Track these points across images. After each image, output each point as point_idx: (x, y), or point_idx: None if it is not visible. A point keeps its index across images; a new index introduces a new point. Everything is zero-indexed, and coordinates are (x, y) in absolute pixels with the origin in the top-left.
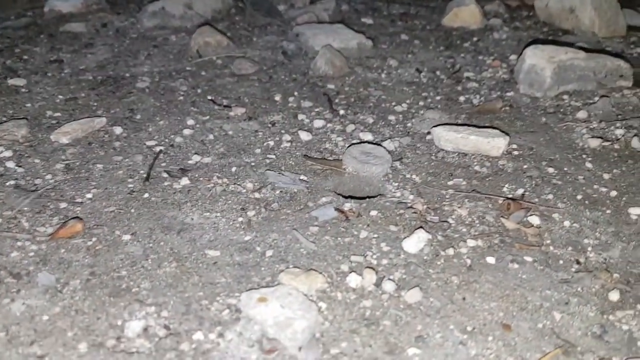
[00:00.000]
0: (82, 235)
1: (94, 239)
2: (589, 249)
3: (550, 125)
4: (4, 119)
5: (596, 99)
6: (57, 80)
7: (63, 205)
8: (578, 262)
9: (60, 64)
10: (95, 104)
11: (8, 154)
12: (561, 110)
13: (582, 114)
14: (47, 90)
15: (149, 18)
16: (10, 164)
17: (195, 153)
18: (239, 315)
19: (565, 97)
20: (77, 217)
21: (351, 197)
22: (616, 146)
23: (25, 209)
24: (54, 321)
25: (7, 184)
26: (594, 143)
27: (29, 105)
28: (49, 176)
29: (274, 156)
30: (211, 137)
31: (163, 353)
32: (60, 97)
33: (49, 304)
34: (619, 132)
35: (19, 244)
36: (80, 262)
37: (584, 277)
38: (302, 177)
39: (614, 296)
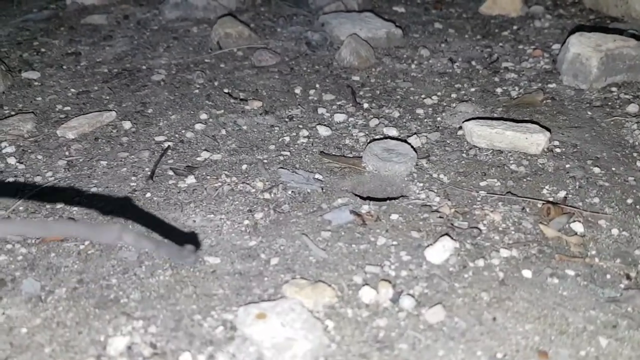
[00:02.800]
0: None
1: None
2: None
3: (597, 120)
4: (12, 113)
5: None
6: (71, 74)
7: (60, 205)
8: (628, 277)
9: (77, 57)
10: (108, 97)
11: (11, 149)
12: (609, 103)
13: (632, 108)
14: (60, 83)
15: (171, 9)
16: (12, 160)
17: (205, 149)
18: (234, 334)
19: (613, 89)
20: (71, 218)
21: (370, 199)
22: None
23: (20, 208)
24: (32, 334)
25: (6, 181)
26: None
27: (39, 99)
28: (49, 173)
29: (288, 153)
30: (224, 132)
31: None
32: (73, 90)
33: (30, 315)
34: None
35: (8, 246)
36: (70, 267)
37: (635, 295)
38: (317, 175)
39: None
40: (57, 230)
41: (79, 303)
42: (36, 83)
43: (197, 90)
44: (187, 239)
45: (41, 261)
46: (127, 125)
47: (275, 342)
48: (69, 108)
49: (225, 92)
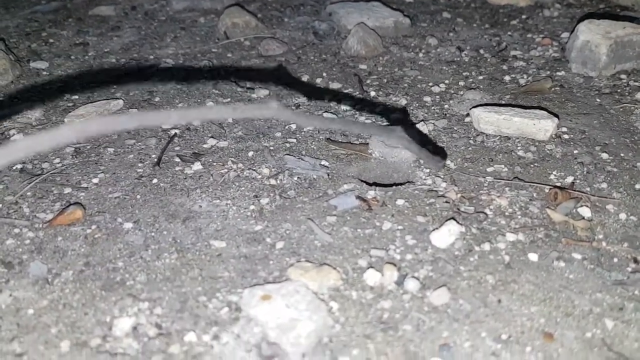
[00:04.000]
0: (82, 222)
1: (93, 227)
2: None
3: (606, 107)
4: (20, 101)
5: None
6: (79, 64)
7: (67, 190)
8: (635, 261)
9: (85, 47)
10: (115, 86)
11: (19, 137)
12: (618, 90)
13: None
14: (68, 73)
15: (178, 0)
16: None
17: (212, 136)
18: (239, 315)
19: (623, 76)
20: (78, 203)
21: (376, 185)
22: None
23: (28, 194)
24: (39, 315)
25: (14, 167)
26: None
27: (47, 88)
28: (57, 160)
29: (295, 140)
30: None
31: (149, 356)
32: (81, 80)
33: (36, 297)
34: None
35: (16, 230)
36: (76, 251)
37: None
38: (323, 162)
39: None
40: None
41: (85, 285)
42: (44, 73)
43: (203, 79)
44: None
45: (48, 245)
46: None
47: (279, 322)
48: (76, 97)
49: (231, 81)
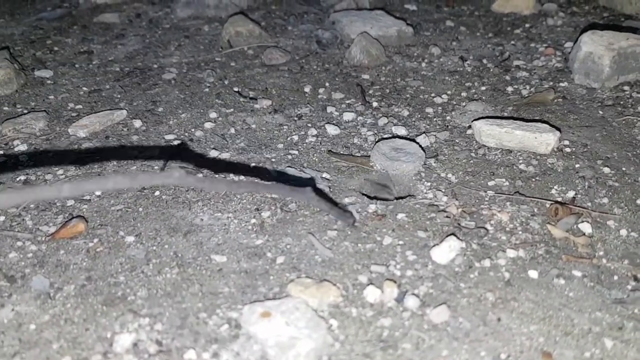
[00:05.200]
0: (84, 235)
1: (95, 240)
2: None
3: (608, 119)
4: (25, 111)
5: None
6: (83, 72)
7: (70, 202)
8: (636, 279)
9: (89, 55)
10: (119, 95)
11: (23, 147)
12: (621, 102)
13: None
14: (73, 82)
15: (182, 8)
16: (23, 158)
17: (214, 148)
18: (239, 332)
19: (626, 88)
20: (80, 216)
21: (377, 198)
22: None
23: (32, 206)
24: (40, 331)
25: (17, 179)
26: None
27: (51, 97)
28: (60, 171)
29: (296, 152)
30: (233, 130)
31: None
32: (85, 89)
33: (38, 311)
34: None
35: (19, 244)
36: (78, 265)
37: None
38: (324, 174)
39: None
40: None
41: (87, 300)
42: (49, 81)
43: (207, 89)
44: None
45: (50, 258)
46: (137, 123)
47: (279, 340)
48: (80, 106)
49: (235, 91)
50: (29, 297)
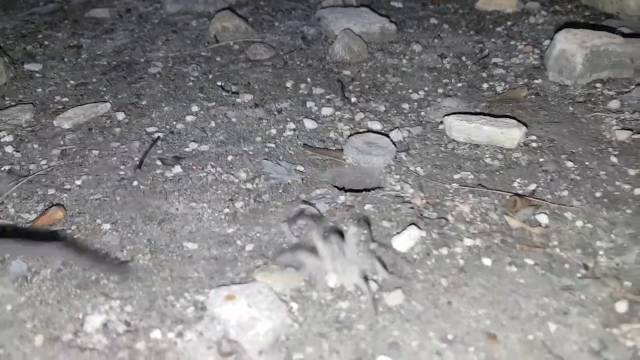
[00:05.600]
0: (63, 222)
1: (73, 227)
2: (601, 252)
3: (577, 115)
4: (12, 103)
5: (632, 87)
6: (72, 66)
7: (51, 191)
8: (586, 267)
9: (78, 50)
10: (105, 89)
11: (9, 138)
12: (592, 99)
13: (614, 104)
14: (61, 75)
15: (172, 3)
16: (9, 149)
17: (194, 140)
18: (204, 314)
19: (598, 85)
20: (59, 204)
21: (347, 190)
22: None
23: (14, 194)
24: (16, 311)
25: (2, 168)
26: (623, 135)
27: (39, 90)
28: (43, 162)
29: (274, 145)
30: (213, 124)
31: (116, 351)
32: (72, 82)
33: (15, 294)
34: None
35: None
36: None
37: (590, 284)
38: (299, 167)
39: (622, 307)
40: None
41: (62, 283)
42: (37, 75)
43: (191, 83)
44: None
45: None
46: (120, 116)
47: (240, 321)
48: (67, 99)
49: (218, 85)
50: (7, 281)
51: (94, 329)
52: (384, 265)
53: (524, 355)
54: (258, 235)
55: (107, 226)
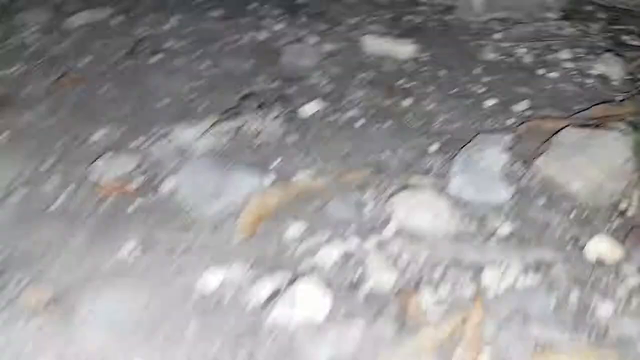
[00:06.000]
0: (77, 84)
1: (84, 86)
2: (437, 122)
3: (466, 42)
4: (33, 6)
5: (519, 26)
6: None
7: (67, 65)
8: (423, 130)
9: None
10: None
11: (32, 30)
12: (484, 32)
13: (497, 35)
14: None
15: None
16: (32, 38)
17: (172, 39)
18: (168, 135)
19: (493, 22)
20: (73, 72)
21: (280, 79)
22: (509, 59)
23: (39, 65)
24: (48, 127)
25: (29, 49)
26: (491, 56)
27: None
28: (59, 46)
29: (231, 47)
30: (188, 30)
31: (112, 148)
32: None
33: (46, 118)
34: (521, 50)
35: (30, 85)
36: (72, 99)
37: (420, 137)
38: (247, 63)
39: (433, 148)
40: None
41: None
42: None
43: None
44: None
45: (54, 94)
46: (118, 19)
47: (191, 138)
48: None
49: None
50: (40, 111)
51: (97, 138)
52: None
53: (361, 166)
54: (212, 99)
55: (106, 87)
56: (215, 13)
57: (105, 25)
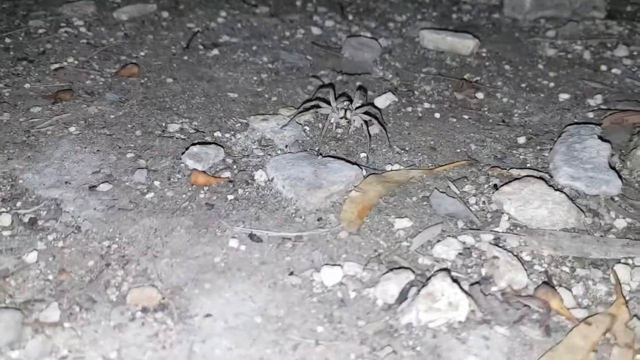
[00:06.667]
0: (138, 75)
1: (145, 79)
2: (516, 115)
3: (521, 39)
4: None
5: (567, 22)
6: None
7: (123, 57)
8: (503, 121)
9: None
10: None
11: (80, 22)
12: (535, 29)
13: (550, 33)
14: None
15: None
16: (83, 29)
17: (226, 35)
18: (247, 127)
19: (542, 20)
20: (134, 63)
21: (344, 73)
22: (569, 56)
23: (95, 57)
24: (118, 118)
25: (81, 41)
26: (551, 52)
27: None
28: (112, 39)
29: (288, 42)
30: (239, 25)
31: (193, 140)
32: None
33: (114, 110)
34: (578, 47)
35: (91, 76)
36: (136, 90)
37: (503, 129)
38: (307, 57)
39: (522, 140)
40: None
41: (146, 107)
42: None
43: None
44: None
45: (116, 86)
46: (165, 14)
47: (273, 130)
48: (119, 1)
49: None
50: (105, 103)
51: (174, 130)
52: (371, 114)
53: (452, 157)
54: (280, 92)
55: (170, 80)
56: (262, 10)
57: (152, 20)
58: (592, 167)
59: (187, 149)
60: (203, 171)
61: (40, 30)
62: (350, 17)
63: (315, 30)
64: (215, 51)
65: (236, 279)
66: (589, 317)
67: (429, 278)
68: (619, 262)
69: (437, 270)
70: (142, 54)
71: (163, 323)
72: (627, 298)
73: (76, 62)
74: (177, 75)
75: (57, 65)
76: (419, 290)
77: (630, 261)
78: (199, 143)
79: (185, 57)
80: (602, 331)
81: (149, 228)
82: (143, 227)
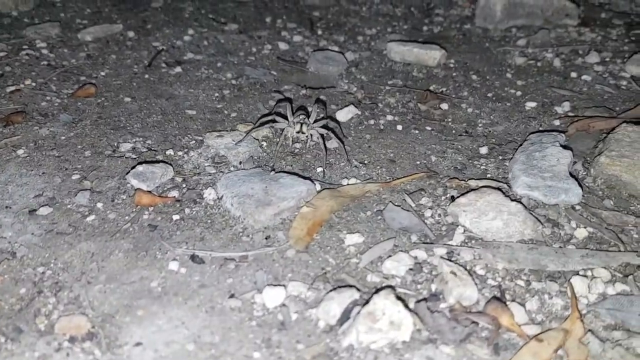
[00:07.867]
0: (95, 95)
1: (102, 99)
2: (480, 125)
3: (490, 48)
4: (41, 22)
5: (539, 31)
6: None
7: (83, 78)
8: (466, 132)
9: None
10: (116, 16)
11: (43, 44)
12: (505, 39)
13: (521, 42)
14: (78, 5)
15: None
16: (45, 51)
17: (191, 52)
18: (202, 144)
19: (513, 29)
20: (92, 83)
21: (308, 87)
22: (539, 64)
23: (54, 78)
24: (69, 139)
25: (42, 63)
26: (520, 61)
27: (62, 14)
28: (73, 60)
29: (254, 58)
30: (206, 43)
31: (144, 159)
32: (88, 10)
33: (66, 131)
34: (548, 55)
35: (47, 98)
36: (92, 110)
37: (466, 139)
38: (272, 72)
39: (484, 150)
40: None
41: (100, 127)
42: (58, 4)
43: (187, 15)
44: None
45: (71, 107)
46: (131, 34)
47: (227, 146)
48: (86, 21)
49: (209, 17)
50: (58, 124)
51: (126, 150)
52: (329, 128)
53: (411, 169)
54: (240, 108)
55: (128, 99)
56: (230, 27)
57: (117, 40)
58: (550, 175)
59: (132, 168)
60: (148, 191)
61: (1, 54)
62: (320, 32)
63: (283, 46)
64: (178, 69)
65: (172, 305)
66: (541, 333)
67: (371, 296)
68: (577, 274)
69: (380, 288)
70: (102, 73)
71: (90, 353)
72: (583, 312)
73: (34, 84)
74: (136, 94)
75: (13, 88)
76: (359, 310)
77: (589, 272)
78: (145, 162)
79: (147, 76)
80: (554, 348)
81: (86, 252)
82: (80, 251)
